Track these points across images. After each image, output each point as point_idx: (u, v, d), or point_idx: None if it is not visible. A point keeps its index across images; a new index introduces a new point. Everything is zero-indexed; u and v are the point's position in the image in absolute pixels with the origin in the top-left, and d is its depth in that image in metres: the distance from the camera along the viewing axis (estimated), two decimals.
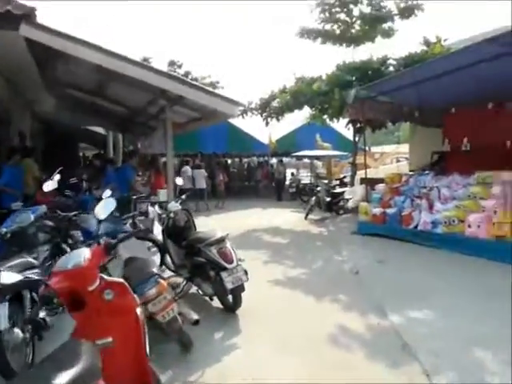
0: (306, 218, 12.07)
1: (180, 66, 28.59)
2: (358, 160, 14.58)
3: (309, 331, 3.95)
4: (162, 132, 9.99)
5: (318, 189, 12.56)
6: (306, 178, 21.22)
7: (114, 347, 2.05)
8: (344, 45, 13.78)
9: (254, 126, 17.84)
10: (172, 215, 5.11)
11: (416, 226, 7.63)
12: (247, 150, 18.36)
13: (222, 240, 4.38)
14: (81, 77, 8.63)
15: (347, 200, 12.46)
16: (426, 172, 8.69)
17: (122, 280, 2.31)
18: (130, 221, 5.05)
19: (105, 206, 3.18)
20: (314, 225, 11.03)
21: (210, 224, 11.43)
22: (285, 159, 24.80)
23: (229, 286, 4.16)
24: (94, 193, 7.52)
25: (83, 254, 2.14)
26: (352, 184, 13.46)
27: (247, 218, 12.49)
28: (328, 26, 13.38)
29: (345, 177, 16.69)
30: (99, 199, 7.42)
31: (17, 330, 2.98)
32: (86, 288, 2.02)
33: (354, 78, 9.64)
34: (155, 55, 49.42)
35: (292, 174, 21.02)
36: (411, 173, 9.76)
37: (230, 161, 23.83)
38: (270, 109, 12.65)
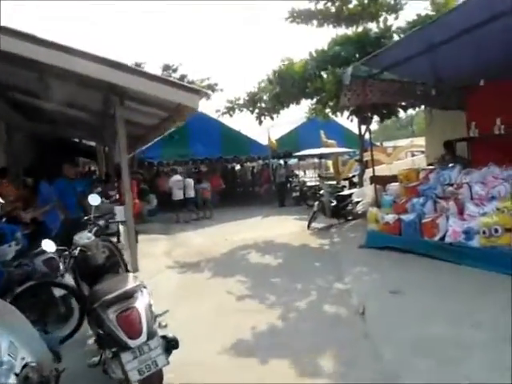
0: (308, 227, 10.30)
1: (175, 70, 27.17)
2: (366, 156, 12.74)
3: None
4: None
5: (322, 192, 10.76)
6: (313, 179, 19.43)
7: None
8: (343, 25, 11.94)
9: (251, 127, 16.30)
10: (78, 251, 3.44)
11: (442, 238, 5.77)
12: (244, 152, 16.63)
13: (128, 296, 2.67)
14: (20, 77, 7.12)
15: (356, 203, 10.65)
16: (451, 165, 6.82)
17: None
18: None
19: None
20: (316, 236, 9.23)
21: (193, 241, 9.86)
22: (290, 160, 23.08)
23: (133, 376, 2.45)
24: (23, 216, 5.93)
25: None
26: (361, 184, 11.60)
27: (240, 230, 10.77)
28: (321, 5, 11.59)
29: (354, 176, 14.83)
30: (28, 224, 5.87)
31: None
32: None
33: (348, 55, 7.82)
34: (148, 60, 48.45)
35: (295, 175, 19.27)
36: (431, 167, 7.89)
37: (237, 166, 22.22)
38: (260, 104, 10.93)
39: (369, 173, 11.66)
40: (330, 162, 25.70)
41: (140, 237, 10.39)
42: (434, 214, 6.10)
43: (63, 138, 14.26)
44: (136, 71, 5.62)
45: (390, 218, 6.70)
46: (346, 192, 11.17)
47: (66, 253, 3.46)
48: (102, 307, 2.61)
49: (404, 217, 6.48)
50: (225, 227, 11.68)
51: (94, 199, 3.92)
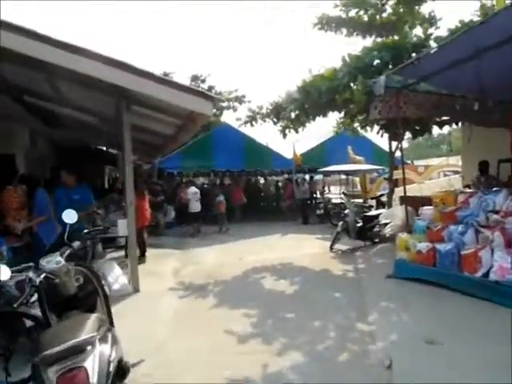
0: (331, 248, 9.53)
1: (203, 81, 27.01)
2: (396, 175, 11.89)
3: None
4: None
5: (347, 211, 9.97)
6: (338, 196, 18.56)
7: None
8: (374, 35, 11.24)
9: (276, 140, 15.76)
10: (43, 278, 2.85)
11: (486, 274, 4.93)
12: (266, 166, 16.00)
13: (76, 351, 2.04)
14: (30, 78, 6.76)
15: (384, 225, 9.80)
16: (495, 189, 5.96)
17: None
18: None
19: None
20: (339, 259, 8.44)
21: (205, 259, 9.22)
22: (316, 176, 22.31)
23: None
24: (13, 227, 5.47)
25: None
26: (389, 204, 10.74)
27: (257, 249, 10.10)
28: (353, 13, 10.95)
29: (382, 195, 13.94)
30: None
31: None
32: None
33: (382, 63, 7.09)
34: (177, 70, 48.80)
35: (320, 192, 18.46)
36: (469, 190, 7.02)
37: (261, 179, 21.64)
38: (284, 114, 10.29)
39: (399, 192, 10.80)
40: (357, 180, 24.82)
41: (152, 251, 9.91)
42: (476, 245, 5.26)
43: (88, 145, 14.07)
44: (142, 72, 5.11)
45: (423, 246, 5.88)
46: (373, 212, 10.35)
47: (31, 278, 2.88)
48: (42, 364, 1.99)
49: (440, 246, 5.66)
50: (242, 244, 11.03)
51: (70, 216, 3.33)
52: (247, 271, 7.54)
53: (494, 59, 5.24)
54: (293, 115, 10.39)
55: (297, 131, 10.82)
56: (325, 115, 10.26)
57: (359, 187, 16.92)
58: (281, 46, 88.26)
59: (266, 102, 10.43)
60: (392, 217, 9.66)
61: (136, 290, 6.05)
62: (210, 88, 26.96)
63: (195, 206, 12.78)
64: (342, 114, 11.11)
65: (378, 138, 12.24)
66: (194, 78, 26.81)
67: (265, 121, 10.52)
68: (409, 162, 22.63)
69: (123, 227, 6.10)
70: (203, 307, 5.37)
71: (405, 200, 8.52)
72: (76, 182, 6.01)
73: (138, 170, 10.96)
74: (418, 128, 8.88)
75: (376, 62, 7.04)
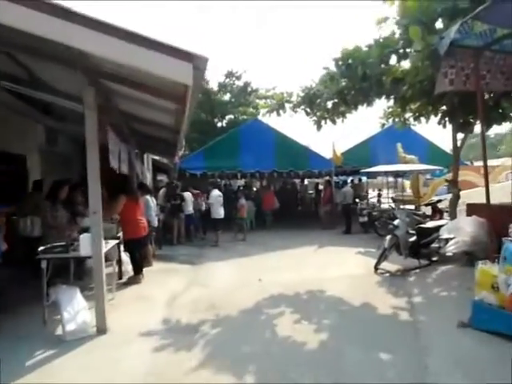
0: (376, 268, 7.53)
1: (239, 78, 25.45)
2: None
3: None
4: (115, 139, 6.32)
5: (396, 222, 7.88)
6: (383, 202, 16.25)
7: None
8: None
9: (313, 138, 13.81)
10: None
11: None
12: (301, 166, 14.00)
13: None
14: None
15: (445, 241, 7.63)
16: None
17: None
18: None
19: None
20: (387, 286, 6.40)
21: (216, 279, 7.41)
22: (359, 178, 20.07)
23: None
24: None
25: None
26: (453, 214, 8.48)
27: (283, 265, 8.26)
28: None
29: (440, 201, 11.60)
30: None
31: None
32: None
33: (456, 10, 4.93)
34: (211, 67, 47.72)
35: (363, 196, 16.25)
36: None
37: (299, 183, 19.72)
38: (320, 103, 8.36)
39: (465, 199, 8.56)
40: (406, 183, 22.17)
41: (158, 266, 8.32)
42: None
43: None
44: (94, 22, 3.43)
45: None
46: (430, 223, 8.16)
47: None
48: None
49: None
50: (268, 258, 9.23)
51: None
52: (262, 301, 5.72)
53: None
54: (329, 104, 8.50)
55: (334, 122, 8.89)
56: (369, 103, 8.24)
57: (410, 192, 14.56)
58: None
59: (298, 88, 8.58)
60: (457, 231, 7.47)
61: (101, 330, 4.40)
62: (246, 85, 25.40)
63: (219, 212, 11.10)
64: (391, 102, 9.12)
65: (431, 134, 10.06)
66: (229, 75, 25.33)
67: (296, 111, 8.66)
68: (467, 162, 19.82)
69: (85, 244, 4.48)
70: (180, 370, 3.58)
71: (478, 209, 6.40)
72: None
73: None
74: (500, 111, 6.51)
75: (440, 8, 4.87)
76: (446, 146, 13.61)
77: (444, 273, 6.86)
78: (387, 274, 7.29)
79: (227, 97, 25.54)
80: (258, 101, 24.76)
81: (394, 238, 7.61)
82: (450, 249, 7.39)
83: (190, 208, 11.40)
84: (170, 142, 8.71)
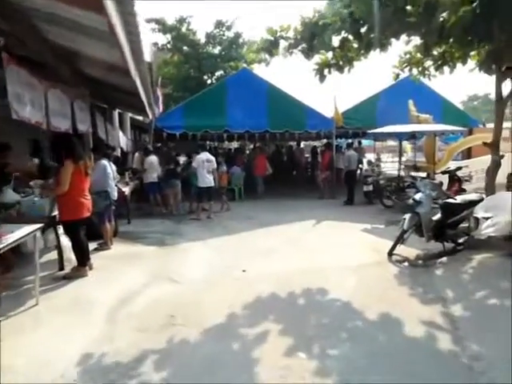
0: (390, 254, 5.99)
1: (229, 28, 22.93)
2: (474, 141, 7.87)
3: None
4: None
5: (418, 197, 6.19)
6: (392, 168, 14.56)
7: None
8: None
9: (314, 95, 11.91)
10: None
11: None
12: (298, 126, 12.06)
13: None
14: None
15: (478, 220, 6.01)
16: None
17: None
18: None
19: None
20: (410, 284, 4.80)
21: (188, 267, 5.78)
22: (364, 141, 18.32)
23: None
24: None
25: None
26: (490, 188, 6.75)
27: (274, 247, 6.65)
28: None
29: (459, 168, 9.90)
30: None
31: None
32: None
33: None
34: (197, 14, 43.82)
35: (370, 162, 14.53)
36: None
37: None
38: (323, 40, 6.40)
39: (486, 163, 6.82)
40: (408, 147, 20.31)
41: (120, 248, 6.67)
42: None
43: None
44: None
45: None
46: (460, 198, 6.46)
47: None
48: None
49: None
50: (255, 237, 7.59)
51: None
52: (242, 311, 4.11)
53: None
54: (336, 41, 6.61)
55: (341, 69, 7.05)
56: (383, 48, 6.31)
57: (422, 157, 12.78)
58: None
59: (296, 22, 6.60)
60: (496, 209, 5.87)
61: None
62: (237, 36, 22.95)
63: (204, 180, 9.28)
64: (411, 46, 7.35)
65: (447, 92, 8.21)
66: (218, 25, 22.81)
67: (291, 52, 6.74)
68: (480, 125, 17.97)
69: None
70: None
71: None
72: None
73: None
74: None
75: None
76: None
77: (482, 265, 5.25)
78: (405, 263, 5.71)
79: (216, 50, 23.13)
80: (251, 55, 22.44)
81: (415, 217, 5.97)
82: (487, 231, 5.81)
83: (154, 175, 9.69)
84: (133, 92, 6.88)
